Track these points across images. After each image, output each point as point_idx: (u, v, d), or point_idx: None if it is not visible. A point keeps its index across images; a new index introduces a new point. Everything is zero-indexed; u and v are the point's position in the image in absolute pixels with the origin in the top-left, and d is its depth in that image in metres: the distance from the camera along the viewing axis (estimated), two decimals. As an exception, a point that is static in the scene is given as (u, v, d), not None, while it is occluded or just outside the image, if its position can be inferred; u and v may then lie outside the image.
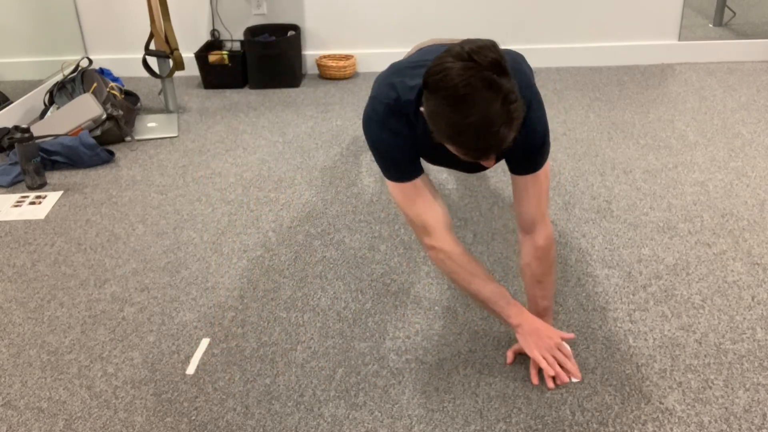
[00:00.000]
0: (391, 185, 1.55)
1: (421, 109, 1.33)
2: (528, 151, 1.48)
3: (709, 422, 1.45)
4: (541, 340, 1.56)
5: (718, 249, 2.05)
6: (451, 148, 1.30)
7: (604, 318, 1.78)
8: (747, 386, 1.54)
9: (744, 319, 1.75)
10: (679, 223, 2.19)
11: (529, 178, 1.51)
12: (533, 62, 3.71)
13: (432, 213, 1.54)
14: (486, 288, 1.56)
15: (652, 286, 1.89)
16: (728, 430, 1.43)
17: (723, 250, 2.04)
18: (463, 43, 1.24)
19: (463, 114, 1.21)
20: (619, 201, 2.33)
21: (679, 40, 3.66)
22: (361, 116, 1.51)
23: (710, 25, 3.72)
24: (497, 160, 1.46)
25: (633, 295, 1.86)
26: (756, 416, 1.46)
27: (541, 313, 1.63)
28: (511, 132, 1.26)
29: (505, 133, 1.24)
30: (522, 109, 1.27)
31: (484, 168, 1.60)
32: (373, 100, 1.50)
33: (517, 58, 1.54)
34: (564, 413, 1.49)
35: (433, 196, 1.54)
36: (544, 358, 1.55)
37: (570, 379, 1.57)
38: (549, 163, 1.54)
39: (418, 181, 1.53)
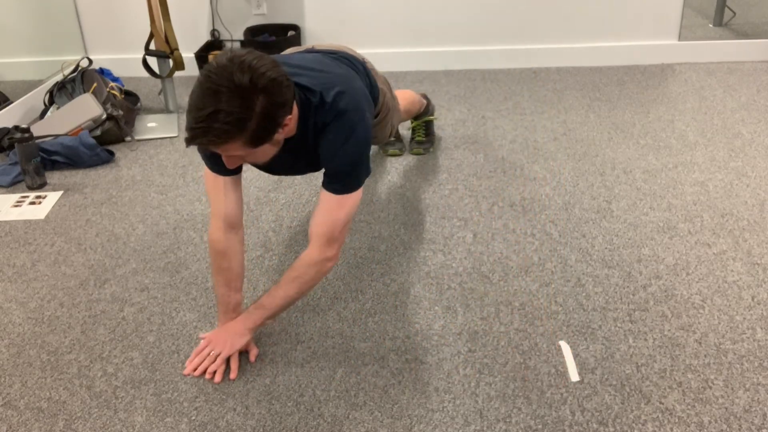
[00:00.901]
0: (206, 169, 1.63)
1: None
2: (334, 172, 1.57)
3: (709, 422, 1.45)
4: (218, 335, 1.66)
5: (718, 249, 2.05)
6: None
7: (604, 318, 1.78)
8: (747, 386, 1.54)
9: (744, 319, 1.75)
10: (679, 223, 2.19)
11: (330, 196, 1.57)
12: (533, 62, 3.71)
13: (219, 205, 1.63)
14: (218, 289, 1.69)
15: (652, 286, 1.89)
16: (728, 430, 1.43)
17: (723, 250, 2.04)
18: (248, 51, 1.35)
19: (192, 98, 1.32)
20: (619, 201, 2.33)
21: (679, 40, 3.66)
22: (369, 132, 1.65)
23: (710, 25, 3.72)
24: (244, 161, 1.52)
25: (633, 295, 1.86)
26: (756, 416, 1.46)
27: (236, 309, 1.70)
28: (212, 144, 1.35)
29: (205, 140, 1.33)
30: (249, 117, 1.33)
31: (293, 172, 1.80)
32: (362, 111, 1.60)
33: (352, 85, 1.60)
34: (564, 413, 1.49)
35: (224, 198, 1.62)
36: (204, 350, 1.65)
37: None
38: (356, 197, 1.58)
39: (222, 178, 1.61)
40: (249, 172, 2.67)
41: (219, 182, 1.61)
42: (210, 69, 1.32)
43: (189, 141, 1.33)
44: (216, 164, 1.59)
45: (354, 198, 1.59)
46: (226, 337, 1.65)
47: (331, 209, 1.58)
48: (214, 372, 1.62)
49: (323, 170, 1.60)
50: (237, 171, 1.63)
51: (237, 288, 1.69)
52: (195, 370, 1.63)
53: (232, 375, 1.62)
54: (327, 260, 1.60)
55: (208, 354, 1.64)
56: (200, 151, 1.61)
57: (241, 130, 1.32)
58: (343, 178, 1.57)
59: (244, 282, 1.97)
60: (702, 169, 2.53)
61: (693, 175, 2.48)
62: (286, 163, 1.65)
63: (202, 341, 1.68)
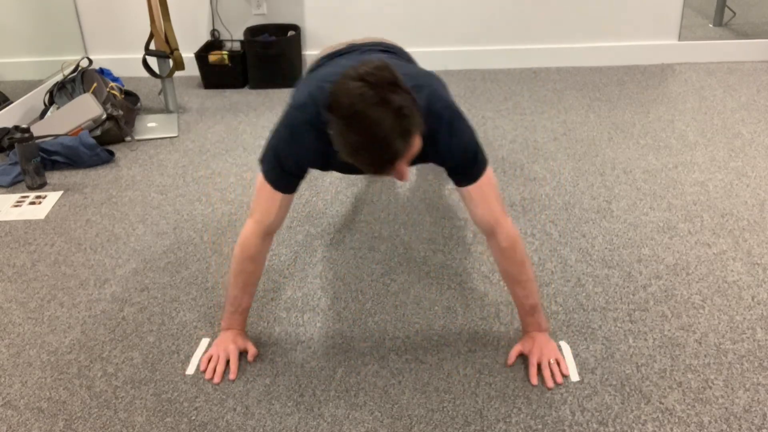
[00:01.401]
0: (261, 176, 1.59)
1: (329, 131, 1.37)
2: (462, 168, 1.54)
3: (709, 422, 1.45)
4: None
5: (718, 249, 2.05)
6: (356, 165, 1.34)
7: (604, 318, 1.78)
8: (747, 386, 1.54)
9: (744, 319, 1.75)
10: (679, 223, 2.19)
11: (471, 188, 1.55)
12: (533, 62, 3.71)
13: (269, 215, 1.60)
14: (233, 291, 1.67)
15: (652, 286, 1.89)
16: (728, 430, 1.43)
17: (723, 250, 2.04)
18: (357, 66, 1.31)
19: (357, 131, 1.27)
20: (619, 201, 2.33)
21: (679, 40, 3.66)
22: (279, 119, 1.57)
23: (710, 25, 3.72)
24: (413, 164, 1.51)
25: (633, 295, 1.86)
26: (756, 416, 1.46)
27: (530, 312, 1.63)
28: (411, 143, 1.32)
29: (402, 146, 1.30)
30: (418, 121, 1.32)
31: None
32: (293, 109, 1.52)
33: (432, 81, 1.56)
34: (564, 413, 1.49)
35: (278, 212, 1.60)
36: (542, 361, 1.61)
37: (568, 375, 1.58)
38: (490, 172, 1.56)
39: (283, 195, 1.58)
40: (243, 169, 2.67)
41: (277, 197, 1.58)
42: (341, 101, 1.28)
43: (385, 164, 1.31)
44: (287, 184, 1.57)
45: (488, 175, 1.56)
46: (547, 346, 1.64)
47: (480, 198, 1.56)
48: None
49: (447, 173, 1.58)
50: (296, 190, 1.62)
51: (251, 293, 1.69)
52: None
53: (232, 375, 1.63)
54: (513, 235, 1.57)
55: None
56: (281, 169, 1.55)
57: (414, 114, 1.31)
58: (470, 168, 1.54)
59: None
60: (702, 169, 2.53)
61: (693, 175, 2.48)
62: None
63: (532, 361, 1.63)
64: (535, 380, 1.57)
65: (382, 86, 1.27)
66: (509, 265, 1.60)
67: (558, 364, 1.60)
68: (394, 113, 1.27)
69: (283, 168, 1.54)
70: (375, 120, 1.26)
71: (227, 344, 1.68)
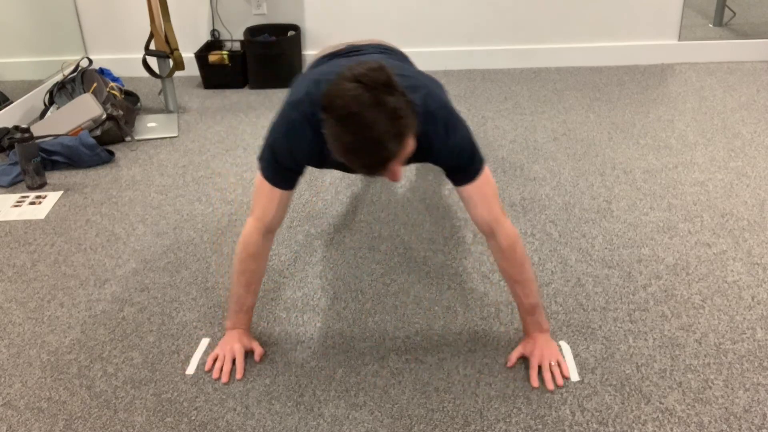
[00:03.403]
0: (259, 174, 1.60)
1: (323, 131, 1.37)
2: (459, 166, 1.54)
3: (709, 422, 1.45)
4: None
5: (718, 249, 2.05)
6: (350, 165, 1.34)
7: (604, 318, 1.78)
8: (747, 386, 1.54)
9: (744, 319, 1.75)
10: (679, 223, 2.19)
11: (470, 187, 1.55)
12: (533, 62, 3.71)
13: (269, 213, 1.61)
14: (238, 289, 1.67)
15: (652, 286, 1.89)
16: (728, 430, 1.43)
17: (723, 250, 2.04)
18: (352, 67, 1.31)
19: (351, 132, 1.28)
20: (619, 201, 2.33)
21: (679, 40, 3.66)
22: (275, 117, 1.57)
23: (710, 25, 3.72)
24: (408, 163, 1.52)
25: (633, 295, 1.86)
26: (756, 416, 1.46)
27: (530, 311, 1.63)
28: (405, 144, 1.32)
29: (395, 147, 1.30)
30: (411, 122, 1.32)
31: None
32: (289, 106, 1.53)
33: (427, 82, 1.57)
34: (564, 413, 1.49)
35: (278, 208, 1.61)
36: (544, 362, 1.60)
37: (569, 377, 1.58)
38: (487, 171, 1.56)
39: (282, 192, 1.59)
40: (243, 169, 2.67)
41: (276, 194, 1.58)
42: (336, 102, 1.28)
43: (379, 165, 1.31)
44: (285, 180, 1.57)
45: (486, 174, 1.56)
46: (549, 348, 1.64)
47: (480, 199, 1.56)
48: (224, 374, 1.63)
49: (445, 173, 1.58)
50: (295, 186, 1.62)
51: (255, 291, 1.69)
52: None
53: (238, 375, 1.63)
54: (513, 235, 1.58)
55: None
56: (278, 164, 1.55)
57: (408, 116, 1.31)
58: (467, 167, 1.54)
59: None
60: (702, 169, 2.53)
61: (693, 175, 2.48)
62: None
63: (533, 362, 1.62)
64: (536, 382, 1.57)
65: (376, 88, 1.27)
66: (509, 265, 1.60)
67: (559, 365, 1.60)
68: (388, 115, 1.27)
69: (280, 164, 1.54)
70: (369, 121, 1.26)
71: (233, 344, 1.68)
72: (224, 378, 1.62)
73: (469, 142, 1.52)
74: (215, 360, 1.67)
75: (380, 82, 1.28)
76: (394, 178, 1.40)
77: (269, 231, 1.63)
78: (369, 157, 1.30)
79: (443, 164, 1.55)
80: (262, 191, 1.60)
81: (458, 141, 1.51)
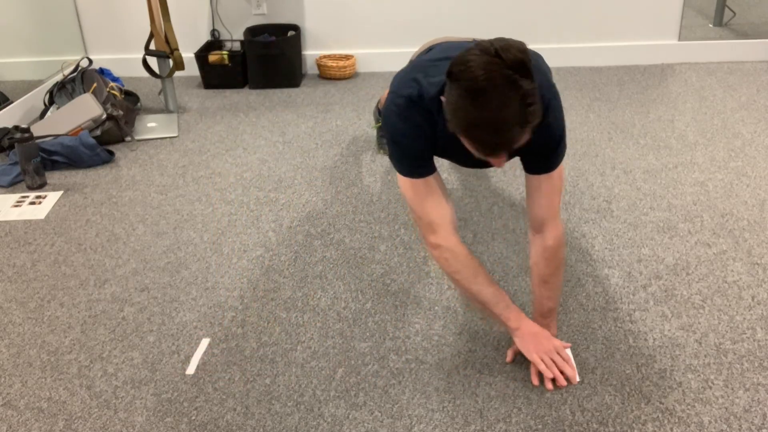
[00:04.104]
0: (402, 180, 1.55)
1: (442, 98, 1.31)
2: (544, 151, 1.48)
3: (709, 422, 1.45)
4: (540, 343, 1.57)
5: (718, 249, 2.05)
6: (464, 140, 1.29)
7: (604, 318, 1.78)
8: (747, 386, 1.54)
9: (744, 319, 1.75)
10: (679, 223, 2.19)
11: (543, 177, 1.51)
12: (533, 62, 3.71)
13: (440, 211, 1.54)
14: (487, 290, 1.56)
15: (652, 286, 1.89)
16: (728, 430, 1.43)
17: (723, 250, 2.04)
18: (493, 40, 1.24)
19: (479, 107, 1.21)
20: (619, 201, 2.33)
21: (679, 40, 3.66)
22: (382, 113, 1.52)
23: (710, 25, 3.72)
24: (509, 158, 1.45)
25: (633, 295, 1.86)
26: (756, 416, 1.46)
27: (545, 314, 1.63)
28: (525, 134, 1.26)
29: (517, 134, 1.24)
30: (539, 113, 1.27)
31: (491, 165, 1.59)
32: (393, 94, 1.49)
33: (537, 59, 1.53)
34: (564, 413, 1.49)
35: (442, 195, 1.54)
36: (542, 361, 1.56)
37: (574, 382, 1.57)
38: (563, 165, 1.52)
39: (430, 179, 1.53)
40: (243, 169, 2.67)
41: (432, 185, 1.50)
42: (469, 74, 1.20)
43: (506, 144, 1.23)
44: (421, 166, 1.50)
45: (562, 169, 1.51)
46: (544, 342, 1.56)
47: (548, 191, 1.51)
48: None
49: (522, 157, 1.51)
50: (435, 168, 1.54)
51: (493, 281, 1.58)
52: (552, 380, 1.56)
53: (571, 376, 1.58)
54: (561, 237, 1.54)
55: (552, 361, 1.55)
56: (413, 155, 1.49)
57: (535, 102, 1.24)
58: (551, 155, 1.48)
59: (243, 282, 1.98)
60: (702, 169, 2.53)
61: (693, 175, 2.48)
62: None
63: (532, 361, 1.55)
64: (536, 380, 1.57)
65: (515, 68, 1.20)
66: (546, 265, 1.57)
67: (566, 363, 1.58)
68: (520, 100, 1.21)
69: (415, 155, 1.48)
70: (502, 102, 1.20)
71: (546, 344, 1.58)
72: (573, 379, 1.54)
73: (563, 129, 1.46)
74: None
75: (518, 62, 1.21)
76: (499, 164, 1.35)
77: (454, 228, 1.53)
78: (490, 137, 1.23)
79: (529, 145, 1.43)
80: (417, 193, 1.51)
81: (555, 124, 1.44)
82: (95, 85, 3.07)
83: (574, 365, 1.61)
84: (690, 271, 1.95)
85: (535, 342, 1.57)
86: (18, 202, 2.51)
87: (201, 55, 3.57)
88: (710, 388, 1.54)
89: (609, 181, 2.46)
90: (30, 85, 3.34)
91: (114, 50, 3.84)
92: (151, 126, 3.13)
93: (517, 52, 1.22)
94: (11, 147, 2.81)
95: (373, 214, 2.32)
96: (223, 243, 2.19)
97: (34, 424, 1.52)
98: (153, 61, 3.34)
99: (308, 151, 2.83)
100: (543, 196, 1.52)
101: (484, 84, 1.20)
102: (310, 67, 3.82)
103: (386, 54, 3.72)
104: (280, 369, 1.65)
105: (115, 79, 3.34)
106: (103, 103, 2.95)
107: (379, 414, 1.51)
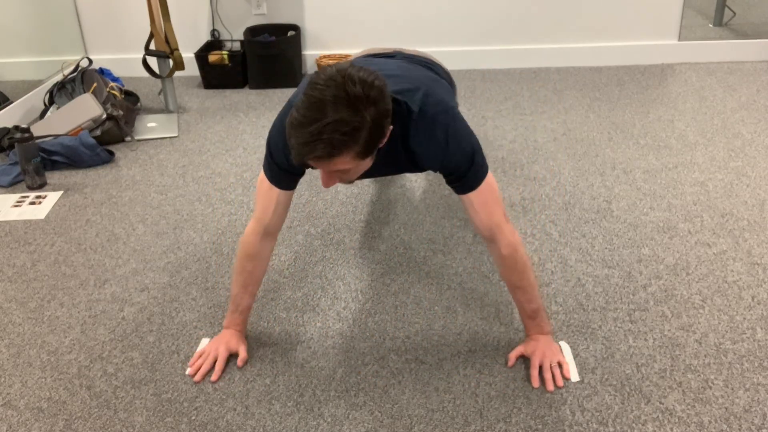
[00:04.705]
0: (262, 175, 1.60)
1: None
2: (458, 174, 1.51)
3: (709, 422, 1.45)
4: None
5: (718, 249, 2.05)
6: (289, 142, 1.30)
7: (604, 318, 1.78)
8: (747, 386, 1.54)
9: (744, 319, 1.75)
10: (679, 223, 2.19)
11: (471, 195, 1.53)
12: (533, 62, 3.71)
13: (266, 213, 1.60)
14: (234, 288, 1.68)
15: (652, 286, 1.89)
16: (728, 430, 1.43)
17: (723, 250, 2.04)
18: (352, 62, 1.28)
19: (300, 112, 1.24)
20: (619, 201, 2.33)
21: (679, 40, 3.66)
22: (272, 123, 1.58)
23: (710, 25, 3.72)
24: (355, 178, 1.46)
25: (633, 295, 1.86)
26: (756, 416, 1.46)
27: (531, 316, 1.63)
28: (341, 153, 1.26)
29: (336, 148, 1.24)
30: (372, 144, 1.28)
31: (394, 173, 1.67)
32: (288, 105, 1.52)
33: (431, 85, 1.53)
34: (564, 413, 1.49)
35: (278, 207, 1.60)
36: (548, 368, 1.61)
37: (569, 378, 1.58)
38: (490, 179, 1.53)
39: (282, 192, 1.58)
40: (243, 169, 2.67)
41: (274, 194, 1.57)
42: (317, 81, 1.24)
43: (302, 155, 1.26)
44: (280, 179, 1.56)
45: (489, 181, 1.53)
46: (544, 346, 1.64)
47: (481, 205, 1.53)
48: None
49: (445, 179, 1.55)
50: (293, 187, 1.60)
51: (252, 293, 1.69)
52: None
53: (214, 377, 1.63)
54: (513, 242, 1.56)
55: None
56: (275, 163, 1.54)
57: (355, 140, 1.26)
58: (468, 175, 1.50)
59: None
60: (702, 169, 2.53)
61: (693, 175, 2.48)
62: (375, 171, 1.56)
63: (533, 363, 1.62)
64: (536, 383, 1.57)
65: (356, 94, 1.23)
66: (509, 272, 1.59)
67: (560, 366, 1.60)
68: (343, 118, 1.23)
69: (277, 164, 1.53)
70: (329, 109, 1.22)
71: (219, 345, 1.68)
72: (197, 378, 1.62)
73: (471, 150, 1.48)
74: (200, 356, 1.68)
75: (366, 87, 1.23)
76: (324, 182, 1.37)
77: (268, 233, 1.62)
78: (305, 139, 1.24)
79: (443, 171, 1.52)
80: (261, 189, 1.60)
81: (458, 148, 1.47)
82: (95, 85, 3.07)
83: (573, 364, 1.62)
84: (690, 271, 1.95)
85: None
86: (18, 202, 2.51)
87: (201, 55, 3.57)
88: (710, 388, 1.54)
89: (609, 181, 2.46)
90: (30, 85, 3.34)
91: (114, 50, 3.84)
92: (151, 126, 3.13)
93: (363, 75, 1.24)
94: (11, 147, 2.81)
95: (373, 214, 2.32)
96: (223, 243, 2.19)
97: (34, 424, 1.52)
98: (153, 61, 3.34)
99: (308, 151, 2.83)
100: (478, 211, 1.54)
101: (314, 93, 1.24)
102: (310, 67, 3.82)
103: (386, 54, 3.72)
104: (280, 369, 1.65)
105: (115, 79, 3.34)
106: (103, 103, 2.95)
107: (379, 414, 1.51)
